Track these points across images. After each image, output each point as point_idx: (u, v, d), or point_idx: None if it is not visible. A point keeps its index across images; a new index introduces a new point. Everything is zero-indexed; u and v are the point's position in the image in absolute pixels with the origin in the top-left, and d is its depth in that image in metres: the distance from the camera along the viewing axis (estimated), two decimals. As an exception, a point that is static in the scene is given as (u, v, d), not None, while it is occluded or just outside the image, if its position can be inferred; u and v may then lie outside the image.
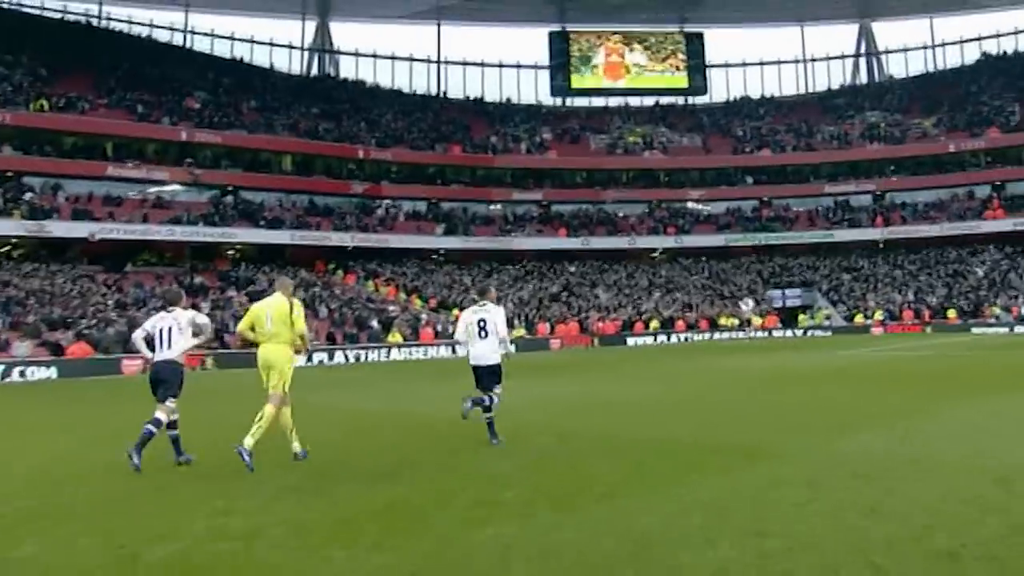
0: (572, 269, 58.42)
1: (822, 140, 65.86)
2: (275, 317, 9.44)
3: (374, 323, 41.56)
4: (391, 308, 45.30)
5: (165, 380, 9.37)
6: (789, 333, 50.98)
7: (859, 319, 51.35)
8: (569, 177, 64.80)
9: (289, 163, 55.80)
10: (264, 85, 62.86)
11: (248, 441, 8.91)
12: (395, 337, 39.81)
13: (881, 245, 60.09)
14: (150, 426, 9.10)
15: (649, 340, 47.81)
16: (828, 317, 53.28)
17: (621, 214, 62.74)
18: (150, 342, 9.56)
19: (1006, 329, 45.61)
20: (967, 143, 60.81)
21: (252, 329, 9.58)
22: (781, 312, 54.74)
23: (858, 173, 63.30)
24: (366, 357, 36.87)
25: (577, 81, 72.00)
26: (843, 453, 8.94)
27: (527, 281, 55.68)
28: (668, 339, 48.45)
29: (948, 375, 19.70)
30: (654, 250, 61.39)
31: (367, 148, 58.14)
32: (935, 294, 53.04)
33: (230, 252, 49.40)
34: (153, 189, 49.25)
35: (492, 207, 62.02)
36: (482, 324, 10.47)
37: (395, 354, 37.97)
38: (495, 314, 10.56)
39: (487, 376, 10.49)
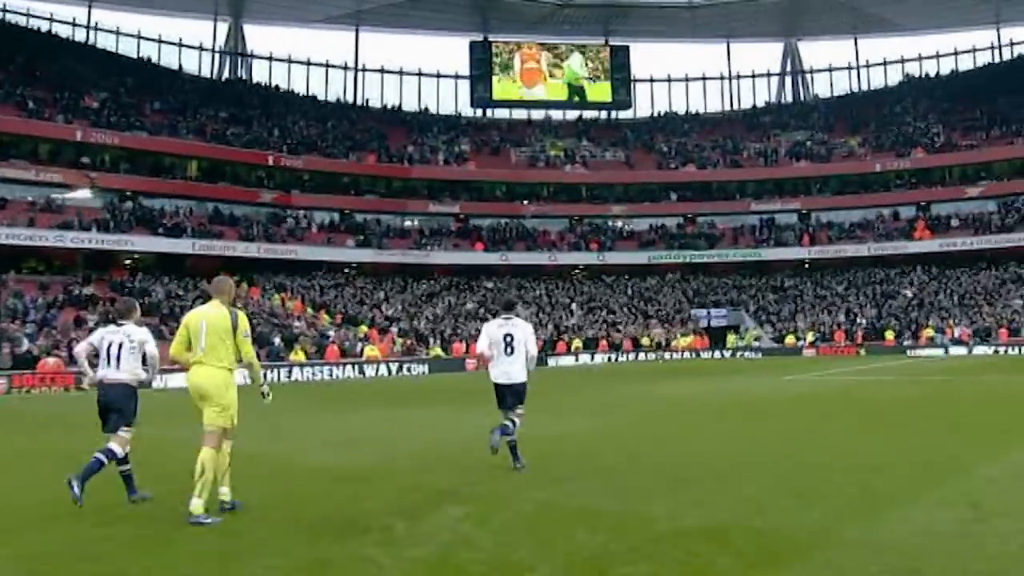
0: (490, 285, 56.20)
1: (748, 157, 64.90)
2: (212, 331, 7.43)
3: (276, 340, 38.35)
4: (296, 324, 42.22)
5: (117, 406, 7.82)
6: (718, 354, 49.13)
7: (790, 340, 49.67)
8: (488, 190, 62.83)
9: (194, 168, 53.14)
10: (171, 86, 59.42)
11: (195, 503, 6.96)
12: (298, 355, 36.45)
13: (807, 264, 59.19)
14: (100, 455, 7.60)
15: (571, 361, 46.01)
16: (758, 338, 51.56)
17: (541, 229, 60.85)
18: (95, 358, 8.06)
19: (941, 351, 44.28)
20: (893, 163, 60.39)
21: (189, 349, 7.55)
22: (708, 332, 52.90)
23: (784, 191, 62.44)
24: (264, 378, 33.46)
25: (499, 88, 69.51)
26: (909, 546, 5.78)
27: (442, 297, 53.21)
28: (592, 359, 46.69)
29: (936, 406, 16.95)
30: (575, 267, 59.65)
31: (278, 155, 55.29)
32: (864, 315, 51.80)
33: (127, 261, 46.54)
34: (54, 194, 45.82)
35: (408, 219, 59.62)
36: (509, 339, 9.53)
37: (297, 374, 34.93)
38: (523, 329, 9.67)
39: (511, 396, 9.50)
